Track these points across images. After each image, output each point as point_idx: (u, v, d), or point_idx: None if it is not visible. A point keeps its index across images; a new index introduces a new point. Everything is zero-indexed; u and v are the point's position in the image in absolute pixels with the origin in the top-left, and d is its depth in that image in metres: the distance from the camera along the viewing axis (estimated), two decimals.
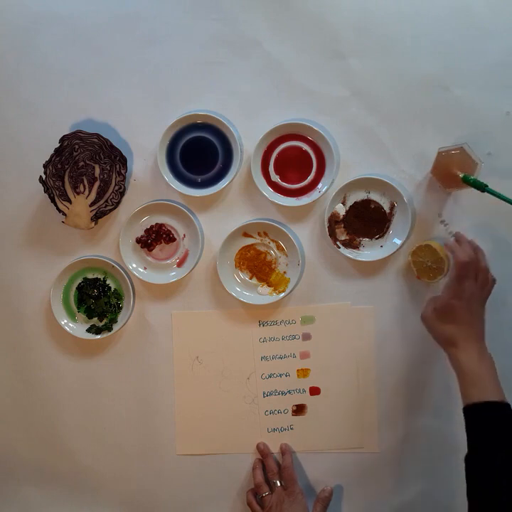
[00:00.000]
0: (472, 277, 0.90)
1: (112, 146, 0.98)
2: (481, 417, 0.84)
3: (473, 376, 0.85)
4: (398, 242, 0.99)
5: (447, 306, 0.89)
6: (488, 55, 0.97)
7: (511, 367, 1.01)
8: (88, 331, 1.04)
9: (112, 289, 1.04)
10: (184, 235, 1.02)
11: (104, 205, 1.00)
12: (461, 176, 0.92)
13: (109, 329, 1.03)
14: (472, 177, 0.91)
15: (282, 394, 1.04)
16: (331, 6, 0.98)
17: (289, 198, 1.00)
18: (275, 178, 1.00)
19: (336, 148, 0.99)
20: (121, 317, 1.03)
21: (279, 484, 1.00)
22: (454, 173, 0.93)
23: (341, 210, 1.00)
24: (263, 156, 1.00)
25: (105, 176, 0.99)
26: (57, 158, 0.98)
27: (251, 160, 0.98)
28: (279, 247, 1.02)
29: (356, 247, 1.01)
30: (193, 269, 1.01)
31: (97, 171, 0.99)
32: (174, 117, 0.99)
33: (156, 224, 1.02)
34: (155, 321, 1.04)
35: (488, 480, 0.80)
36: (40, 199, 1.03)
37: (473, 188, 0.91)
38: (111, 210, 1.00)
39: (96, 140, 0.98)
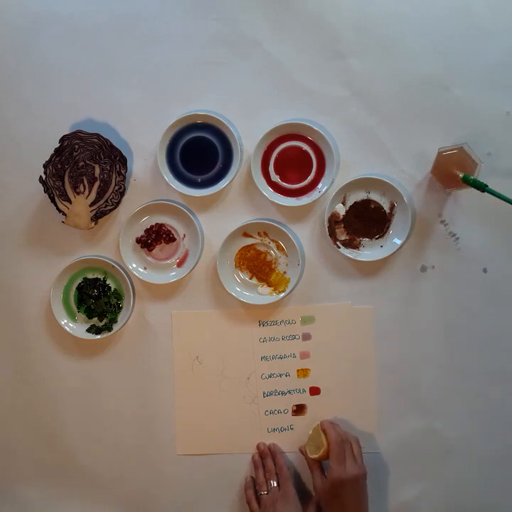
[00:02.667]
0: (350, 456, 0.94)
1: (112, 146, 0.98)
2: None
3: None
4: (398, 242, 0.99)
5: (332, 489, 0.92)
6: (488, 55, 0.97)
7: (510, 370, 1.01)
8: (88, 331, 1.04)
9: (112, 289, 1.04)
10: (184, 235, 1.02)
11: (104, 205, 1.00)
12: (461, 176, 0.92)
13: (109, 329, 1.03)
14: (472, 177, 0.91)
15: (282, 394, 1.04)
16: (331, 6, 0.98)
17: (289, 198, 1.00)
18: (275, 178, 1.00)
19: (335, 148, 0.99)
20: (121, 317, 1.03)
21: (274, 484, 1.00)
22: (454, 173, 0.93)
23: (341, 210, 1.00)
24: (263, 156, 1.00)
25: (105, 176, 0.99)
26: (57, 158, 0.98)
27: (251, 160, 0.98)
28: (279, 247, 1.02)
29: (356, 247, 1.01)
30: (193, 269, 1.01)
31: (97, 171, 0.99)
32: (174, 117, 0.99)
33: (156, 224, 1.02)
34: (155, 321, 1.04)
35: None
36: (40, 199, 1.03)
37: (473, 188, 0.91)
38: (111, 210, 1.00)
39: (96, 140, 0.98)
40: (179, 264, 1.03)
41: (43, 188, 0.99)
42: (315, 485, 0.95)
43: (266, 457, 1.02)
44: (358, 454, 0.95)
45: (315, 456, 0.96)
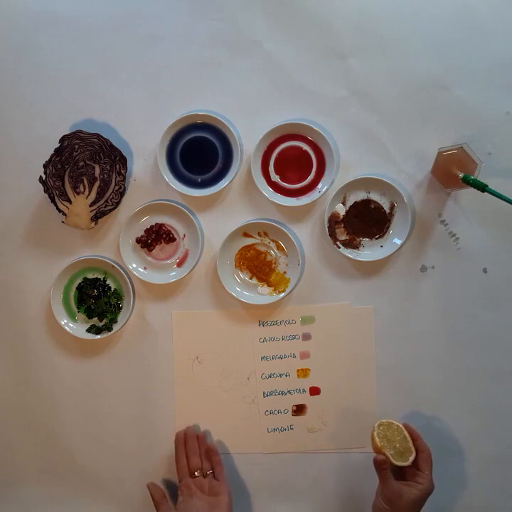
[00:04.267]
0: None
1: (112, 146, 0.98)
2: None
3: None
4: (398, 242, 0.99)
5: (422, 498, 0.89)
6: (488, 55, 0.97)
7: (510, 368, 1.01)
8: (88, 331, 1.04)
9: (112, 289, 1.04)
10: (184, 235, 1.02)
11: (104, 205, 1.00)
12: (461, 176, 0.92)
13: (109, 329, 1.03)
14: (472, 177, 0.91)
15: (282, 394, 1.04)
16: (331, 6, 0.98)
17: (289, 198, 1.00)
18: (275, 178, 1.00)
19: (336, 148, 0.99)
20: (121, 317, 1.03)
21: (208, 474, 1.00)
22: (454, 173, 0.93)
23: (341, 210, 1.00)
24: (263, 156, 1.00)
25: (105, 176, 0.99)
26: (57, 158, 0.98)
27: (251, 160, 0.98)
28: (279, 247, 1.02)
29: (356, 247, 1.01)
30: (193, 269, 1.02)
31: (97, 171, 0.99)
32: (174, 117, 0.99)
33: (156, 224, 1.02)
34: (155, 321, 1.04)
35: None
36: (40, 199, 1.03)
37: (473, 188, 0.91)
38: (111, 210, 1.00)
39: (96, 140, 0.98)
40: (179, 264, 1.03)
41: (43, 188, 0.99)
42: (395, 491, 0.88)
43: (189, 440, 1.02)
44: None
45: (405, 463, 0.90)
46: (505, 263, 0.99)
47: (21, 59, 1.01)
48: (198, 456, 1.01)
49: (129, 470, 1.06)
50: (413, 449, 0.92)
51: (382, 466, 0.89)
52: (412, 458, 0.91)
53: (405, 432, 0.93)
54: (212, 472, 1.00)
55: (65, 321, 1.03)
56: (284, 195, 1.01)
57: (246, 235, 1.02)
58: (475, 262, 1.00)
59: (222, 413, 1.05)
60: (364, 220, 1.00)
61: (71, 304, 1.04)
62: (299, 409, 1.04)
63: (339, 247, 1.00)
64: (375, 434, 0.92)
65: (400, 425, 0.94)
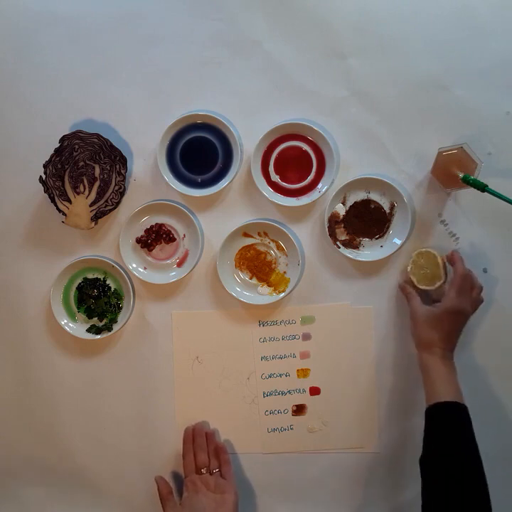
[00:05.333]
0: (469, 291, 0.93)
1: (112, 146, 0.98)
2: (443, 416, 0.87)
3: (439, 380, 0.90)
4: (398, 242, 0.99)
5: (442, 315, 0.92)
6: (488, 55, 0.97)
7: (509, 367, 1.01)
8: (88, 331, 1.04)
9: (112, 289, 1.04)
10: (184, 235, 1.02)
11: (104, 205, 1.00)
12: (461, 176, 0.92)
13: (109, 329, 1.03)
14: (472, 177, 0.91)
15: (282, 394, 1.04)
16: (331, 6, 0.98)
17: (289, 198, 1.00)
18: (275, 178, 1.00)
19: (336, 148, 0.99)
20: (121, 317, 1.03)
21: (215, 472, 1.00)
22: (454, 173, 0.93)
23: (341, 210, 1.00)
24: (263, 156, 1.00)
25: (105, 176, 0.99)
26: (57, 158, 0.98)
27: (251, 160, 0.98)
28: (279, 247, 1.02)
29: (356, 247, 1.01)
30: (193, 269, 1.02)
31: (97, 171, 0.99)
32: (174, 117, 0.99)
33: (156, 224, 1.02)
34: (155, 321, 1.04)
35: (441, 484, 0.83)
36: (40, 199, 1.03)
37: (473, 188, 0.91)
38: (111, 210, 1.00)
39: (96, 140, 0.98)
40: (179, 264, 1.03)
41: (43, 188, 0.99)
42: (415, 309, 0.95)
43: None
44: (476, 293, 0.95)
45: (428, 287, 0.96)
46: (505, 263, 0.99)
47: (21, 59, 1.01)
48: (205, 453, 1.01)
49: (129, 470, 1.06)
50: (443, 276, 0.95)
51: (403, 287, 0.99)
52: (438, 283, 0.95)
53: (439, 260, 0.96)
54: (219, 470, 1.00)
55: (65, 321, 1.03)
56: (284, 195, 1.01)
57: (246, 235, 1.02)
58: (475, 262, 1.00)
59: (222, 413, 1.05)
60: (364, 220, 1.00)
61: (71, 304, 1.04)
62: (299, 409, 1.04)
63: (339, 247, 1.00)
64: (410, 261, 0.98)
65: (436, 254, 0.96)
